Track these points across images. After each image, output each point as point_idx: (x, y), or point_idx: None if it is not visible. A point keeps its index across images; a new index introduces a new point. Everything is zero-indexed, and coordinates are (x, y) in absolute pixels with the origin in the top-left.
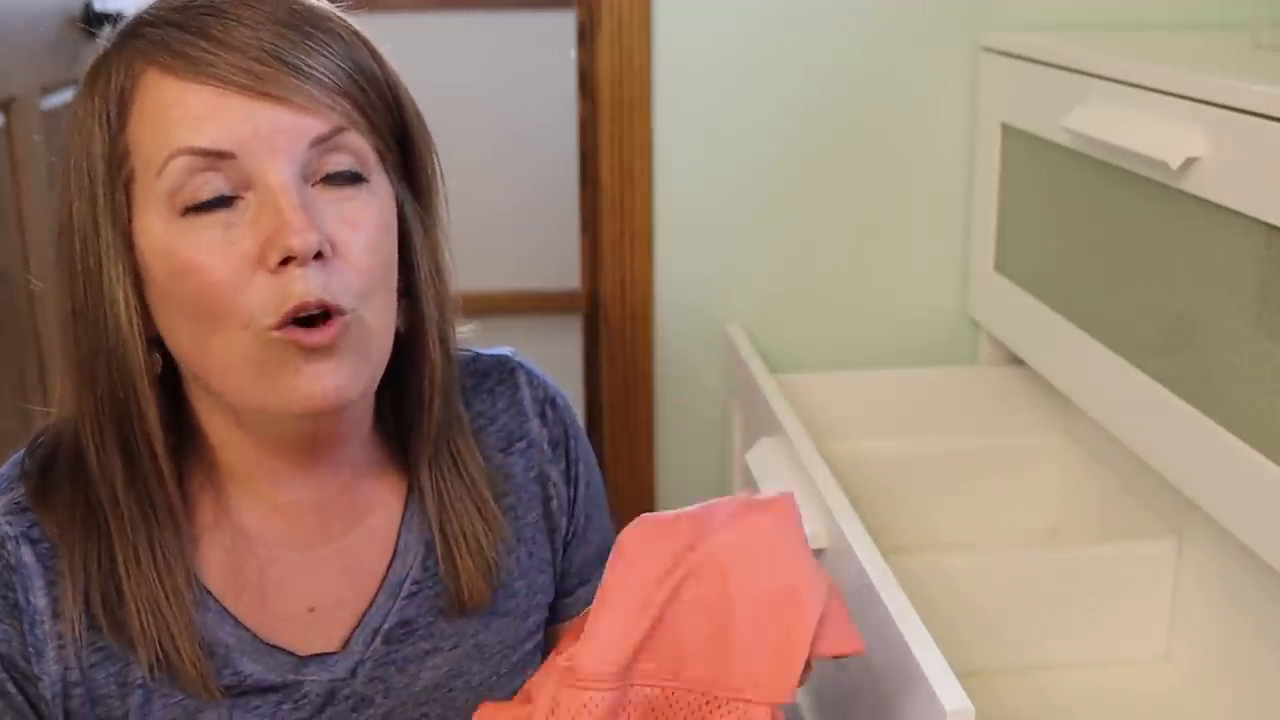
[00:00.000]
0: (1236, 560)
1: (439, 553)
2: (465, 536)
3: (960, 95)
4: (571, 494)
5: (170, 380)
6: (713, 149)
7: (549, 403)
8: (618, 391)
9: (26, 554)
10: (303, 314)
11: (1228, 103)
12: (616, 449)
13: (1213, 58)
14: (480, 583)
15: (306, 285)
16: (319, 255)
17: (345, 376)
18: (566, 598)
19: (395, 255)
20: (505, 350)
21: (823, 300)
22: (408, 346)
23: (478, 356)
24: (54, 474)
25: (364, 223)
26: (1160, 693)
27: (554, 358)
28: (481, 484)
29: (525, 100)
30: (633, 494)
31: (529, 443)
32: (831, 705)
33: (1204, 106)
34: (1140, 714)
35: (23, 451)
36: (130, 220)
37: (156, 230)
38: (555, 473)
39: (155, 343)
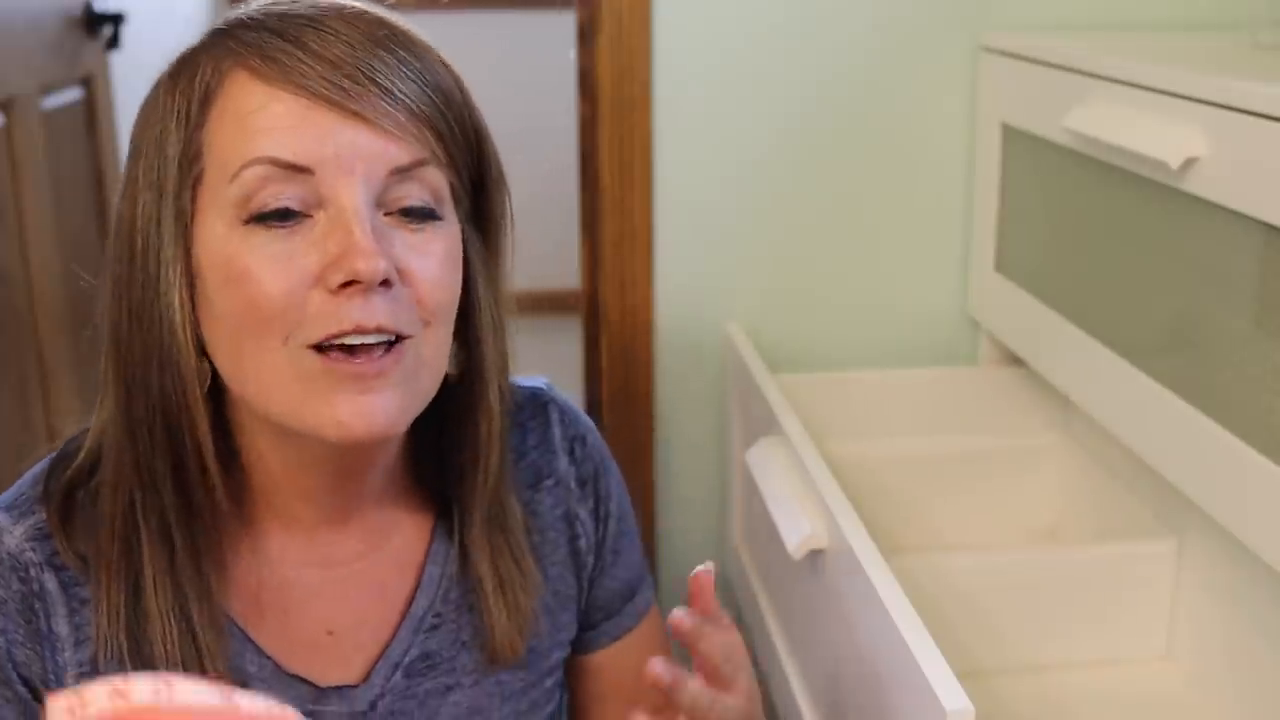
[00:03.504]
0: (1236, 560)
1: (472, 597)
2: (504, 590)
3: (960, 95)
4: (600, 533)
5: (215, 393)
6: (713, 149)
7: (579, 440)
8: (618, 391)
9: (50, 581)
10: (356, 339)
11: (1228, 103)
12: (616, 449)
13: (1213, 58)
14: (515, 637)
15: (368, 312)
16: (385, 283)
17: (393, 409)
18: (591, 630)
19: (459, 293)
20: (539, 382)
21: (823, 300)
22: (463, 394)
23: (512, 387)
24: (85, 491)
25: (434, 252)
26: (1160, 693)
27: (554, 358)
28: (521, 537)
29: (525, 100)
30: (633, 494)
31: (557, 480)
32: (831, 705)
33: (1204, 106)
34: (1140, 714)
35: (44, 466)
36: (191, 222)
37: (218, 236)
38: (584, 511)
39: (205, 352)
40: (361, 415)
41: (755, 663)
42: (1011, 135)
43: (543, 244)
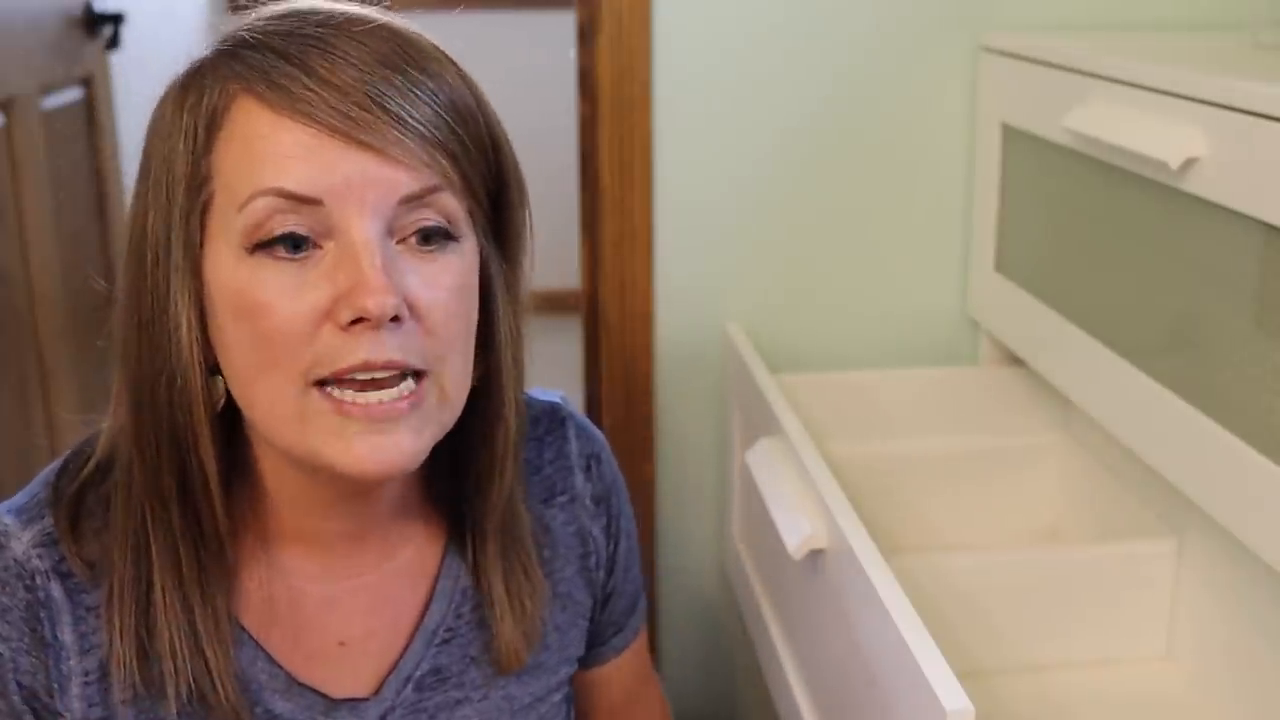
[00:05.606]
0: (1236, 560)
1: (483, 611)
2: (510, 597)
3: (960, 95)
4: (611, 550)
5: (231, 409)
6: (713, 149)
7: (595, 457)
8: (618, 391)
9: (56, 589)
10: (365, 374)
11: (1228, 103)
12: (616, 449)
13: (1213, 58)
14: (520, 645)
15: (378, 348)
16: (395, 318)
17: (408, 447)
18: (600, 646)
19: (475, 316)
20: (555, 397)
21: (823, 300)
22: (481, 406)
23: (529, 400)
24: (96, 495)
25: (446, 285)
26: (1160, 693)
27: (554, 358)
28: (530, 545)
29: (525, 100)
30: (633, 493)
31: (572, 497)
32: (831, 705)
33: (1204, 106)
34: (1140, 714)
35: (53, 469)
36: (201, 246)
37: (228, 265)
38: (597, 529)
39: (216, 369)
40: (375, 453)
41: (756, 662)
42: (1011, 135)
43: (543, 244)
